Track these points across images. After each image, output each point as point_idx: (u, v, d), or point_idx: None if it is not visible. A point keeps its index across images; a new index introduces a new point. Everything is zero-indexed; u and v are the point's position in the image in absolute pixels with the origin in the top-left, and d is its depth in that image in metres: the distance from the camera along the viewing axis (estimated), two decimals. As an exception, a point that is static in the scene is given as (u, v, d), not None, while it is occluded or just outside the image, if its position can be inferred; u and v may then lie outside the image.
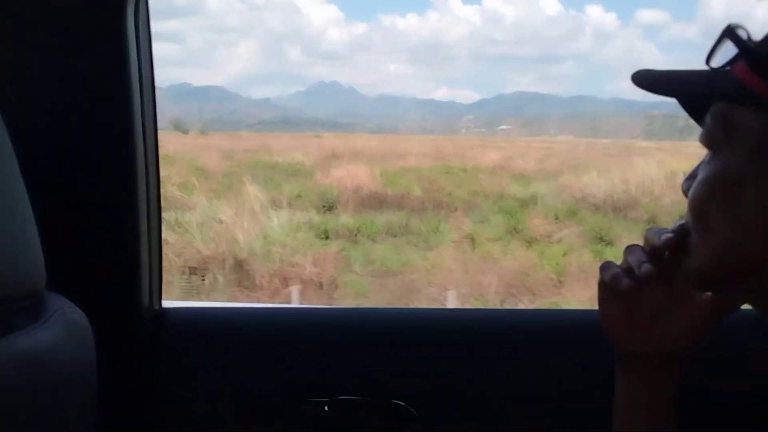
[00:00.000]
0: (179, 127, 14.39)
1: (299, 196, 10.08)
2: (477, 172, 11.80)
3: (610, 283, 0.91)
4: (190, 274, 7.33)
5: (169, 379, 1.32)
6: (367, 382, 1.31)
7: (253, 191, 9.29)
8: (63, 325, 0.93)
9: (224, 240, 7.91)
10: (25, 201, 0.89)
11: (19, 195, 0.88)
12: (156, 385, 1.31)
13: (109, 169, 1.24)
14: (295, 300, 6.61)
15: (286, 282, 7.11)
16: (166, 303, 1.38)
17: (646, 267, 0.87)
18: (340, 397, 1.28)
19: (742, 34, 0.77)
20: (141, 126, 1.25)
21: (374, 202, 9.77)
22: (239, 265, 7.42)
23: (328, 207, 9.74)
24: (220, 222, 8.42)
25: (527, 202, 9.95)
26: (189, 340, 1.33)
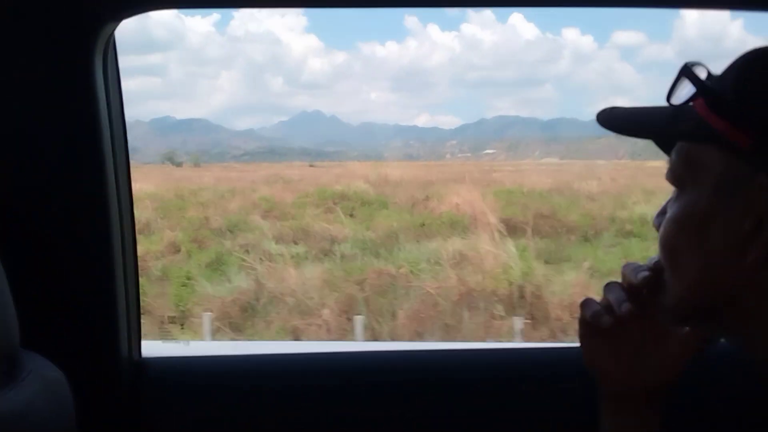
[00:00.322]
0: (172, 161, 14.36)
1: (423, 224, 9.39)
2: (537, 195, 11.13)
3: (591, 321, 0.92)
4: (469, 310, 6.65)
5: (152, 429, 1.30)
6: (356, 428, 1.30)
7: (494, 220, 8.63)
8: (39, 384, 0.92)
9: (484, 272, 7.28)
10: None
11: None
12: None
13: (82, 220, 1.22)
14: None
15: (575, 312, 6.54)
16: (147, 352, 1.37)
17: (626, 306, 0.88)
18: None
19: (701, 71, 0.78)
20: (114, 174, 1.25)
21: (505, 228, 8.90)
22: (523, 298, 6.82)
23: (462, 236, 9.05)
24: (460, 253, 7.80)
25: (645, 225, 9.21)
26: (170, 390, 1.31)
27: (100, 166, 1.21)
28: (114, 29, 1.22)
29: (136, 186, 1.34)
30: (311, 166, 14.90)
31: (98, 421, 1.17)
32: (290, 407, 1.30)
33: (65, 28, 1.17)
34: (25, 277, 0.99)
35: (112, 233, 1.23)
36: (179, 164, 14.01)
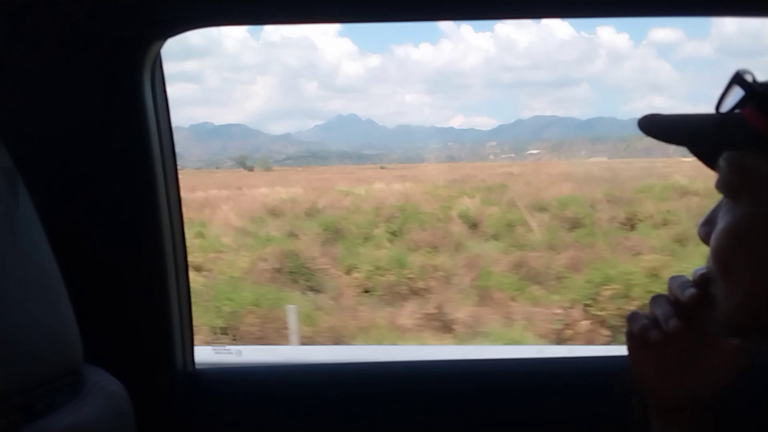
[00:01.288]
0: (244, 165, 14.49)
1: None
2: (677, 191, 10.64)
3: (639, 335, 0.90)
4: None
5: None
6: None
7: None
8: (102, 398, 0.93)
9: None
10: (58, 278, 0.89)
11: (52, 272, 0.88)
12: None
13: (135, 234, 1.24)
14: None
15: None
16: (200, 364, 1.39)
17: (674, 323, 0.86)
18: None
19: (749, 78, 0.76)
20: (164, 187, 1.27)
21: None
22: None
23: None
24: None
25: None
26: (223, 400, 1.33)
27: (150, 180, 1.23)
28: (161, 47, 1.24)
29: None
30: (382, 168, 14.51)
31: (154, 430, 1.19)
32: (347, 415, 1.31)
33: (115, 48, 1.19)
34: (82, 292, 1.00)
35: (164, 247, 1.25)
36: (251, 168, 14.11)
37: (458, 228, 9.07)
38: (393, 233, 8.89)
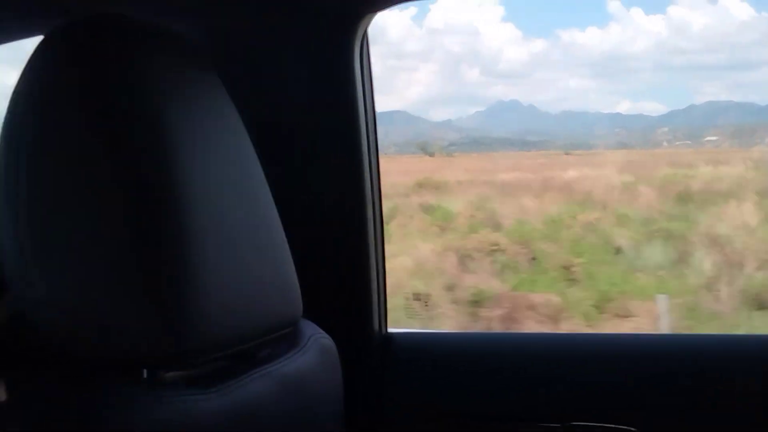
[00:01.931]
0: (425, 150, 14.80)
1: None
2: None
3: None
4: None
5: (395, 402, 1.37)
6: (597, 407, 1.29)
7: None
8: (317, 350, 1.01)
9: None
10: (283, 237, 0.97)
11: (278, 231, 0.97)
12: (383, 408, 1.37)
13: (343, 204, 1.33)
14: None
15: None
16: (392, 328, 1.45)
17: None
18: (572, 423, 1.27)
19: None
20: (368, 159, 1.34)
21: None
22: None
23: None
24: None
25: None
26: (414, 364, 1.38)
27: (356, 152, 1.31)
28: (371, 21, 1.30)
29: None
30: (567, 154, 13.90)
31: (352, 389, 1.26)
32: (531, 382, 1.32)
33: (329, 20, 1.27)
34: (295, 254, 1.08)
35: (366, 217, 1.33)
36: (432, 154, 14.35)
37: None
38: None
